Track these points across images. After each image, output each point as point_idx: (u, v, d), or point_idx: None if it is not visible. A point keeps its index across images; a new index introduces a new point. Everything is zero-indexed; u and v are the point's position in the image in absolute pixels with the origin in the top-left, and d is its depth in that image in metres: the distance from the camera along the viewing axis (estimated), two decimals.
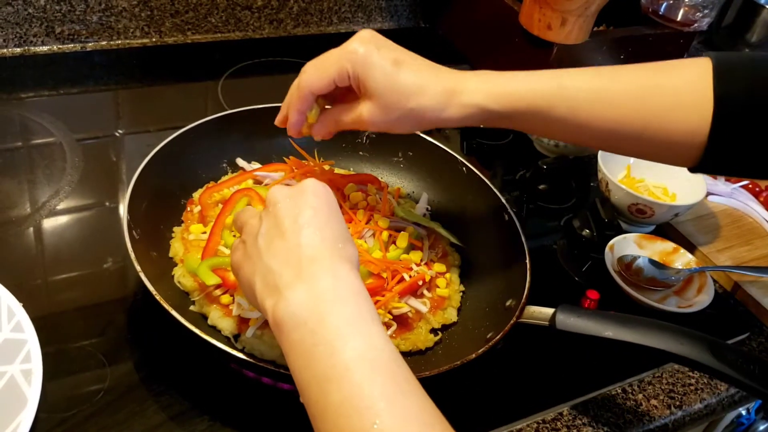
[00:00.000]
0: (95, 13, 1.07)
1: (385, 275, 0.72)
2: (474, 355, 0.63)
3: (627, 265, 0.86)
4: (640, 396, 0.75)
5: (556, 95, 0.62)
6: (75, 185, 0.85)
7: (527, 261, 0.74)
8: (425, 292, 0.76)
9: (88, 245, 0.78)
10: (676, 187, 0.96)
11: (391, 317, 0.71)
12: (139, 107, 1.03)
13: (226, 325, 0.66)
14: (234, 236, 0.73)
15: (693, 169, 0.62)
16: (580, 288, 0.84)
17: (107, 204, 0.84)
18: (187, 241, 0.74)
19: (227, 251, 0.71)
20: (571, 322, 0.66)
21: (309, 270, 0.49)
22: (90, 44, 1.09)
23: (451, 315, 0.75)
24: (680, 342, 0.62)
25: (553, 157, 1.00)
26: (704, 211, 1.00)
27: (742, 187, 1.03)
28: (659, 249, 0.89)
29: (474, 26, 1.26)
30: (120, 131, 0.95)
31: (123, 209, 0.71)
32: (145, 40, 1.13)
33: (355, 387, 0.44)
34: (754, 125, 0.57)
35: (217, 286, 0.68)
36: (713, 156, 0.59)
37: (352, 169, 0.91)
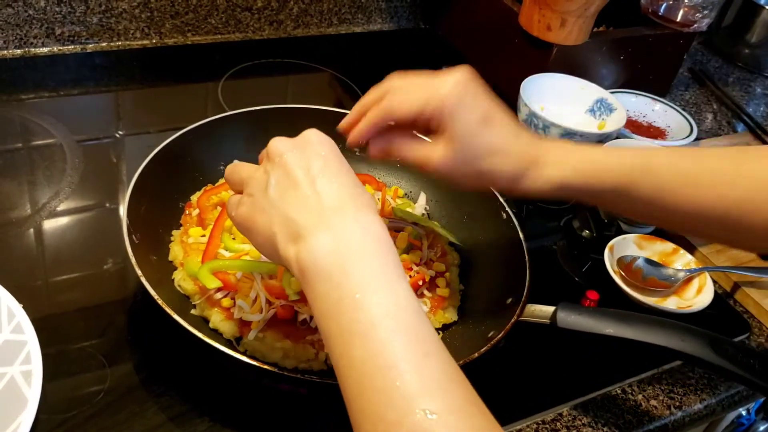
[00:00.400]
0: (95, 15, 1.07)
1: None
2: (477, 354, 0.63)
3: (627, 265, 0.86)
4: (640, 396, 0.75)
5: (642, 173, 0.61)
6: (75, 186, 0.85)
7: (526, 258, 0.74)
8: (425, 292, 0.76)
9: (89, 246, 0.79)
10: None
11: None
12: (139, 108, 1.03)
13: (228, 329, 0.66)
14: (233, 239, 0.73)
15: None
16: (580, 288, 0.84)
17: (107, 205, 0.84)
18: (187, 245, 0.74)
19: (227, 254, 0.71)
20: (571, 319, 0.66)
21: (332, 218, 0.48)
22: (90, 46, 1.09)
23: (451, 314, 0.75)
24: (681, 338, 0.62)
25: None
26: None
27: None
28: (659, 249, 0.89)
29: (474, 27, 1.27)
30: (120, 132, 0.95)
31: (123, 211, 0.71)
32: (146, 42, 1.13)
33: (378, 345, 0.43)
34: None
35: (218, 290, 0.68)
36: None
37: None
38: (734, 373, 0.61)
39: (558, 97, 1.04)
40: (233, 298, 0.68)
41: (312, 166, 0.51)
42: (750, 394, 0.80)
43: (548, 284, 0.83)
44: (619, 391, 0.75)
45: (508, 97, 1.17)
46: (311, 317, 0.67)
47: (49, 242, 0.78)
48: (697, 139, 1.15)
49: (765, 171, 0.59)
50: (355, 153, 0.91)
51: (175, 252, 0.74)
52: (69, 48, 1.08)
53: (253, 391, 0.66)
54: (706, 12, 1.17)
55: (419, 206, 0.87)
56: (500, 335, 0.66)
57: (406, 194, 0.90)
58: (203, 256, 0.71)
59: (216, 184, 0.82)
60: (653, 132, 1.16)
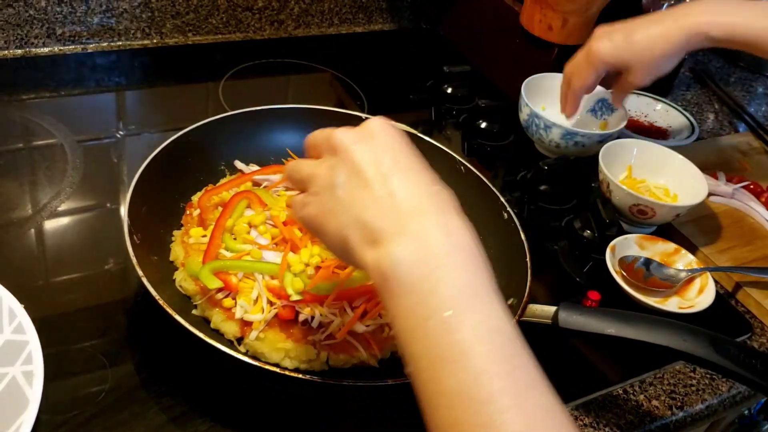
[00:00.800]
0: (96, 15, 1.07)
1: None
2: None
3: (628, 266, 0.86)
4: (642, 397, 0.75)
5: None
6: (76, 187, 0.85)
7: (527, 259, 0.74)
8: None
9: (90, 247, 0.79)
10: (678, 187, 0.96)
11: None
12: (140, 109, 1.03)
13: (229, 329, 0.66)
14: (234, 239, 0.73)
15: None
16: (581, 289, 0.84)
17: (108, 205, 0.84)
18: (188, 245, 0.74)
19: (228, 254, 0.71)
20: (573, 319, 0.66)
21: (411, 223, 0.43)
22: (91, 46, 1.09)
23: None
24: (683, 338, 0.62)
25: (554, 158, 1.00)
26: (705, 211, 1.00)
27: (743, 187, 1.03)
28: (660, 250, 0.89)
29: (475, 27, 1.26)
30: (121, 133, 0.95)
31: (124, 211, 0.71)
32: (146, 42, 1.13)
33: (473, 375, 0.38)
34: None
35: (219, 290, 0.68)
36: None
37: None
38: (736, 373, 0.61)
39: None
40: (234, 299, 0.68)
41: (382, 162, 0.46)
42: (752, 395, 0.80)
43: (549, 284, 0.83)
44: (620, 392, 0.75)
45: (509, 96, 1.17)
46: (312, 317, 0.67)
47: (51, 242, 0.78)
48: (698, 139, 1.15)
49: None
50: None
51: (176, 252, 0.74)
52: (70, 48, 1.08)
53: (254, 392, 0.66)
54: None
55: None
56: None
57: None
58: (204, 257, 0.70)
59: (217, 184, 0.82)
60: (655, 132, 1.16)
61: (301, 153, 0.87)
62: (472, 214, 0.85)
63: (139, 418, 0.62)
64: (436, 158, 0.88)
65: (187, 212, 0.78)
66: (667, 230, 0.95)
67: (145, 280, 0.62)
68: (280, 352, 0.65)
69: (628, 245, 0.88)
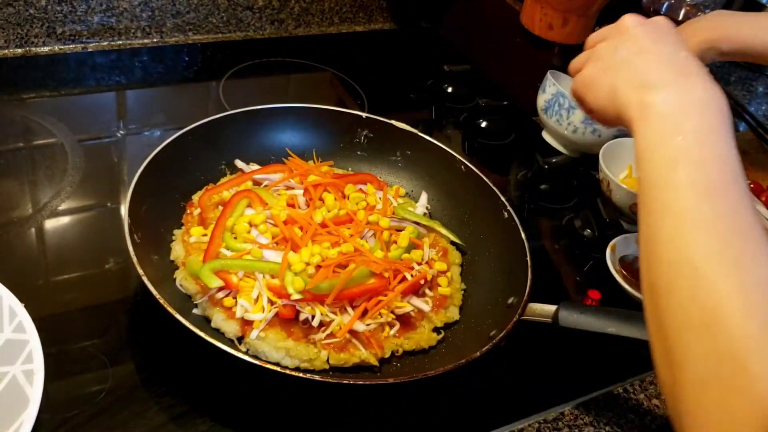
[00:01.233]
0: (96, 14, 1.07)
1: (387, 275, 0.72)
2: (479, 353, 0.63)
3: (628, 264, 0.86)
4: (642, 396, 0.75)
5: None
6: (76, 186, 0.85)
7: (528, 257, 0.74)
8: (427, 291, 0.76)
9: (90, 246, 0.79)
10: None
11: (394, 317, 0.71)
12: (140, 108, 1.03)
13: (230, 328, 0.66)
14: (234, 238, 0.73)
15: None
16: (582, 288, 0.84)
17: (109, 205, 0.84)
18: (188, 244, 0.74)
19: (229, 253, 0.71)
20: (573, 318, 0.66)
21: (683, 80, 0.52)
22: (91, 45, 1.09)
23: (453, 313, 0.75)
24: None
25: (556, 159, 1.00)
26: None
27: None
28: None
29: (475, 26, 1.26)
30: (121, 132, 0.95)
31: (124, 210, 0.71)
32: (146, 41, 1.13)
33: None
34: None
35: (220, 289, 0.68)
36: None
37: (350, 168, 0.91)
38: None
39: None
40: (235, 298, 0.68)
41: (659, 38, 0.57)
42: None
43: (550, 283, 0.83)
44: (621, 390, 0.75)
45: (509, 96, 1.17)
46: (313, 316, 0.67)
47: (51, 242, 0.78)
48: None
49: None
50: (356, 153, 0.92)
51: (177, 251, 0.74)
52: (70, 47, 1.08)
53: (254, 391, 0.66)
54: (707, 11, 1.17)
55: (420, 205, 0.87)
56: (502, 334, 0.66)
57: (407, 194, 0.89)
58: (205, 256, 0.70)
59: (217, 183, 0.82)
60: None
61: (301, 153, 0.88)
62: (472, 213, 0.86)
63: (140, 418, 0.62)
64: (436, 157, 0.89)
65: (188, 211, 0.78)
66: None
67: (145, 279, 0.62)
68: (280, 351, 0.65)
69: (628, 244, 0.88)
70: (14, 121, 0.93)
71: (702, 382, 0.41)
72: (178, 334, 0.61)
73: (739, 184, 0.46)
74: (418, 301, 0.73)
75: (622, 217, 0.93)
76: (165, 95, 1.06)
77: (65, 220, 0.81)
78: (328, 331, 0.67)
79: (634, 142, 0.52)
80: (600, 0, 1.02)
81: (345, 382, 0.63)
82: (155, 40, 1.14)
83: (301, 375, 0.61)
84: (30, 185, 0.85)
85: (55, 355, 0.64)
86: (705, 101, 0.50)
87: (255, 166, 0.86)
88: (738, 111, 1.31)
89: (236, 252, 0.71)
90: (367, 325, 0.69)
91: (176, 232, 0.76)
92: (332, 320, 0.68)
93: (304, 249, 0.71)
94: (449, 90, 1.16)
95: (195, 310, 0.69)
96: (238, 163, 0.86)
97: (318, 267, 0.70)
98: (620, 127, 0.59)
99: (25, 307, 0.64)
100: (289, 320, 0.67)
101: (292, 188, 0.82)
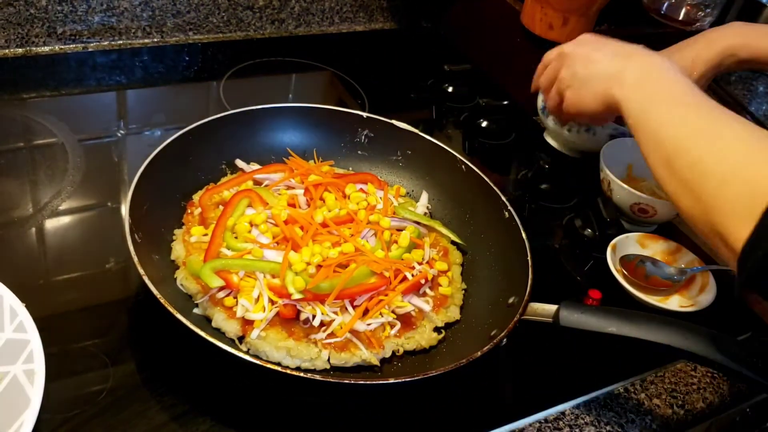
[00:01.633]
0: (97, 14, 1.07)
1: (387, 274, 0.72)
2: (479, 353, 0.63)
3: (629, 264, 0.86)
4: (643, 395, 0.75)
5: None
6: (77, 186, 0.85)
7: (528, 257, 0.74)
8: (428, 290, 0.76)
9: (91, 246, 0.79)
10: None
11: (395, 316, 0.71)
12: (141, 107, 1.03)
13: (231, 328, 0.66)
14: (235, 238, 0.73)
15: None
16: (583, 287, 0.84)
17: (109, 204, 0.84)
18: (189, 244, 0.74)
19: (229, 253, 0.71)
20: (574, 318, 0.66)
21: (632, 56, 0.71)
22: (92, 44, 1.09)
23: (454, 313, 0.75)
24: (684, 336, 0.62)
25: (556, 159, 1.00)
26: None
27: None
28: (661, 248, 0.89)
29: (475, 26, 1.26)
30: (122, 132, 0.95)
31: (125, 210, 0.71)
32: (147, 41, 1.13)
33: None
34: None
35: (221, 288, 0.68)
36: None
37: (351, 168, 0.91)
38: (737, 371, 0.61)
39: None
40: (236, 297, 0.68)
41: (594, 46, 0.76)
42: (753, 393, 0.80)
43: (550, 283, 0.83)
44: (621, 390, 0.75)
45: (510, 96, 1.17)
46: (314, 316, 0.68)
47: (51, 241, 0.78)
48: None
49: None
50: (357, 152, 0.92)
51: (178, 251, 0.74)
52: (71, 47, 1.08)
53: (255, 391, 0.66)
54: (708, 11, 1.17)
55: (421, 205, 0.87)
56: (503, 334, 0.66)
57: (408, 193, 0.90)
58: (205, 255, 0.71)
59: (218, 183, 0.82)
60: None
61: (302, 153, 0.88)
62: (473, 213, 0.86)
63: (141, 417, 0.62)
64: (436, 157, 0.89)
65: (188, 211, 0.78)
66: (668, 229, 0.95)
67: (146, 279, 0.62)
68: (281, 350, 0.65)
69: (629, 244, 0.88)
70: (15, 120, 0.93)
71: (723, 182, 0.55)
72: (178, 334, 0.61)
73: (697, 91, 0.64)
74: (418, 301, 0.73)
75: (623, 217, 0.93)
76: (165, 95, 1.06)
77: (66, 219, 0.81)
78: (328, 331, 0.67)
79: (627, 108, 0.68)
80: (600, 0, 1.02)
81: (346, 381, 0.63)
82: (156, 39, 1.14)
83: (301, 375, 0.61)
84: (31, 185, 0.85)
85: (56, 355, 0.64)
86: (652, 62, 0.69)
87: (255, 166, 0.86)
88: (738, 110, 1.31)
89: (237, 251, 0.71)
90: (368, 324, 0.69)
91: (177, 231, 0.76)
92: (333, 320, 0.68)
93: (304, 249, 0.71)
94: (450, 90, 1.16)
95: (196, 310, 0.69)
96: (239, 163, 0.86)
97: (319, 267, 0.70)
98: (612, 123, 0.70)
99: (26, 306, 0.64)
100: (289, 320, 0.68)
101: (293, 188, 0.82)
